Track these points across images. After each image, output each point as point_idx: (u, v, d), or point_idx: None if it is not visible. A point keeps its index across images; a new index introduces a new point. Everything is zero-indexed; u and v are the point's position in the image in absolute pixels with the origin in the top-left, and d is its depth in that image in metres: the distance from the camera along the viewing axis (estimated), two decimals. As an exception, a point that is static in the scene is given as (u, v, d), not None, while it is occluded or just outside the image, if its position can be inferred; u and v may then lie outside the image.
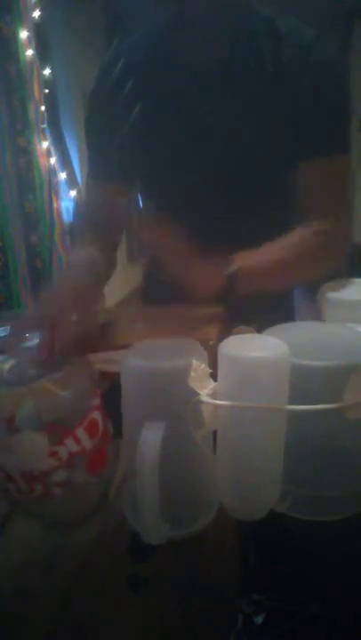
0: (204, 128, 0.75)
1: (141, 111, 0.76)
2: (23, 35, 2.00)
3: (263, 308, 0.66)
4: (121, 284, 1.73)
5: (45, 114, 2.18)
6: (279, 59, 0.70)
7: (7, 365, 0.47)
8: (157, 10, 0.73)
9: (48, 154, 2.20)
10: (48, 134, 2.22)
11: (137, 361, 0.40)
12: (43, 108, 2.16)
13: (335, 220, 0.75)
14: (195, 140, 0.76)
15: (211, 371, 0.36)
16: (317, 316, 0.73)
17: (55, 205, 2.23)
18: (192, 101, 0.74)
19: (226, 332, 0.50)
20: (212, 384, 0.36)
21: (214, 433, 0.38)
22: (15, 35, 1.96)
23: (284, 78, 0.70)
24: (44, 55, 2.20)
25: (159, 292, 0.74)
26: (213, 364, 0.37)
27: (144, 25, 0.78)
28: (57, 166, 2.29)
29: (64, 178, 2.36)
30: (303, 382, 0.35)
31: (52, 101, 2.26)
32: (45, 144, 2.18)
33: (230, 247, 0.70)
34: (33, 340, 0.51)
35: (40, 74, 2.16)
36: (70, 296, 0.58)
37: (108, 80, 0.78)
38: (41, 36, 2.17)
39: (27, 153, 2.05)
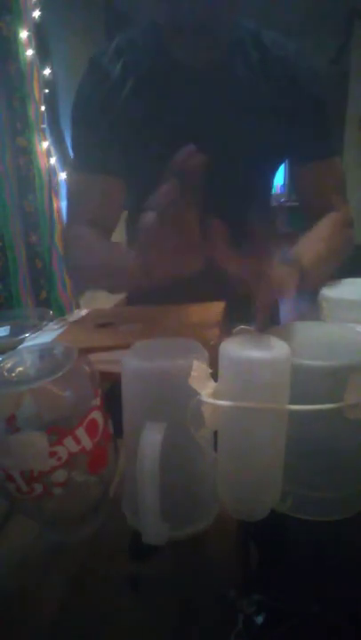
0: (194, 129, 0.75)
1: (130, 104, 0.77)
2: (23, 35, 2.00)
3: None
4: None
5: (45, 114, 2.18)
6: (265, 68, 0.77)
7: (7, 365, 0.47)
8: (156, 10, 0.74)
9: (48, 154, 2.20)
10: (48, 134, 2.21)
11: (137, 361, 0.40)
12: (43, 108, 2.16)
13: (347, 212, 0.85)
14: (185, 139, 0.76)
15: (211, 370, 0.36)
16: (317, 315, 0.73)
17: (55, 205, 2.23)
18: (183, 102, 0.76)
19: (226, 332, 0.50)
20: (212, 384, 0.36)
21: (215, 433, 0.38)
22: (15, 35, 1.96)
23: (271, 86, 0.77)
24: (43, 55, 2.20)
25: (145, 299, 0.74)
26: (214, 363, 0.37)
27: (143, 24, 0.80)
28: (57, 166, 2.28)
29: (64, 178, 2.36)
30: (304, 382, 0.35)
31: (51, 101, 2.26)
32: (45, 144, 2.18)
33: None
34: (33, 340, 0.51)
35: (40, 74, 2.16)
36: None
37: (100, 72, 0.78)
38: (41, 35, 2.17)
39: (27, 153, 2.04)
